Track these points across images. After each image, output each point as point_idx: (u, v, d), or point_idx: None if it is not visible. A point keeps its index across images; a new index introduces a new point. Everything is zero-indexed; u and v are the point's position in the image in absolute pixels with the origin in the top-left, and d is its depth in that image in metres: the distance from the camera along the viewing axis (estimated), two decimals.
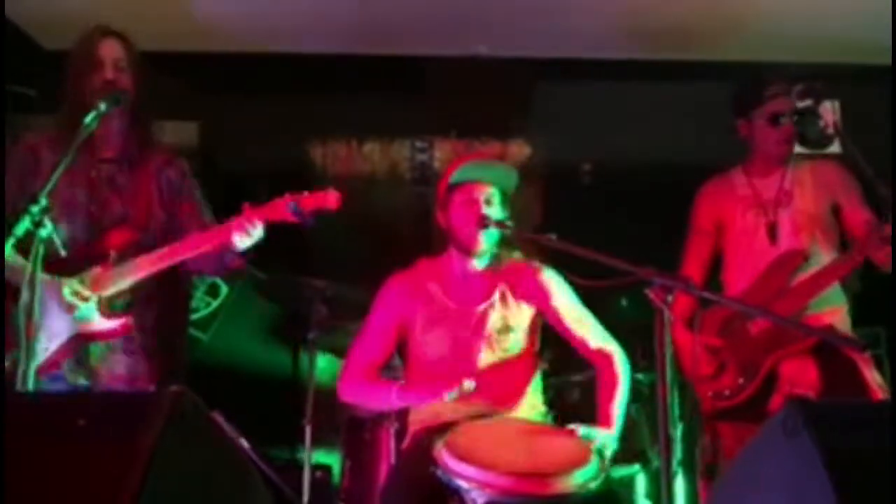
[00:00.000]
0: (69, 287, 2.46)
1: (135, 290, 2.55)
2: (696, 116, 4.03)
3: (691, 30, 3.93)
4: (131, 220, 2.59)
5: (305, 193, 2.46)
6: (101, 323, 2.48)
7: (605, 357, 2.59)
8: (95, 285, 2.48)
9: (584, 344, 2.63)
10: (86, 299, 2.46)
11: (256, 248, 2.53)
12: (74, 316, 2.46)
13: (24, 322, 2.09)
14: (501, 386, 2.57)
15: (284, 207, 2.43)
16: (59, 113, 2.59)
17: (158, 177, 2.68)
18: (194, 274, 2.92)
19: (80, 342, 2.50)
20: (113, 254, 2.51)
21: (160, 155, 2.73)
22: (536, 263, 2.73)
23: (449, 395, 2.40)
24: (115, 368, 2.57)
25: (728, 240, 3.03)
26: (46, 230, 2.17)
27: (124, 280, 2.49)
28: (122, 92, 2.55)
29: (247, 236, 2.44)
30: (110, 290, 2.49)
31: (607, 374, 2.56)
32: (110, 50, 2.61)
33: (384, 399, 2.62)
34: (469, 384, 2.39)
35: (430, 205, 2.90)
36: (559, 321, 2.65)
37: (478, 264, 2.69)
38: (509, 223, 2.59)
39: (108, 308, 2.49)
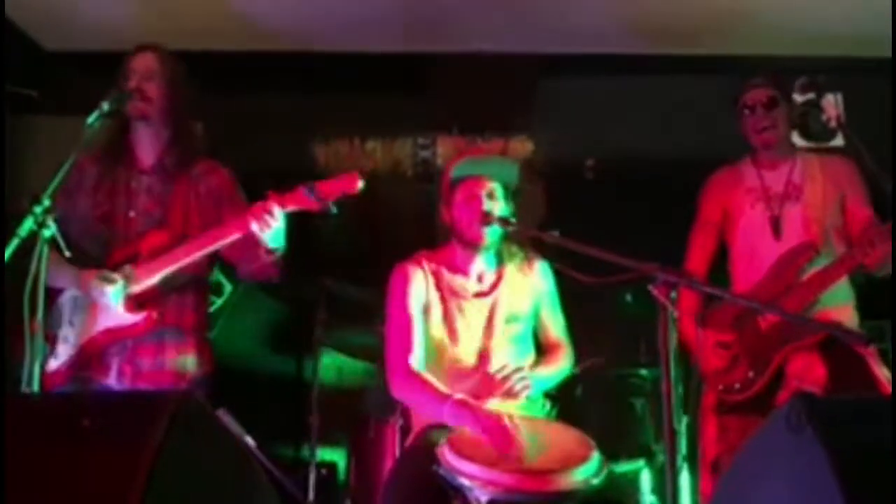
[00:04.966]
0: (98, 276, 2.48)
1: (165, 288, 2.57)
2: (700, 112, 4.01)
3: (694, 24, 3.92)
4: (167, 225, 2.63)
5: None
6: (125, 318, 2.50)
7: (558, 346, 2.77)
8: (128, 281, 2.51)
9: (546, 330, 2.78)
10: (113, 282, 2.47)
11: (286, 258, 2.55)
12: (103, 300, 2.48)
13: (28, 321, 2.10)
14: (509, 378, 2.55)
15: (303, 193, 2.44)
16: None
17: (197, 184, 2.71)
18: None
19: (108, 340, 2.52)
20: (144, 254, 2.54)
21: (203, 164, 2.76)
22: (532, 254, 2.82)
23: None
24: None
25: (734, 232, 3.03)
26: (50, 230, 2.19)
27: (151, 276, 2.51)
28: (125, 93, 2.58)
29: (265, 225, 2.43)
30: (139, 286, 2.51)
31: (551, 357, 2.73)
32: (141, 62, 2.68)
33: (436, 410, 2.44)
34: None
35: (433, 202, 2.90)
36: (540, 306, 2.78)
37: (481, 258, 2.71)
38: (513, 220, 2.62)
39: (136, 304, 2.51)
